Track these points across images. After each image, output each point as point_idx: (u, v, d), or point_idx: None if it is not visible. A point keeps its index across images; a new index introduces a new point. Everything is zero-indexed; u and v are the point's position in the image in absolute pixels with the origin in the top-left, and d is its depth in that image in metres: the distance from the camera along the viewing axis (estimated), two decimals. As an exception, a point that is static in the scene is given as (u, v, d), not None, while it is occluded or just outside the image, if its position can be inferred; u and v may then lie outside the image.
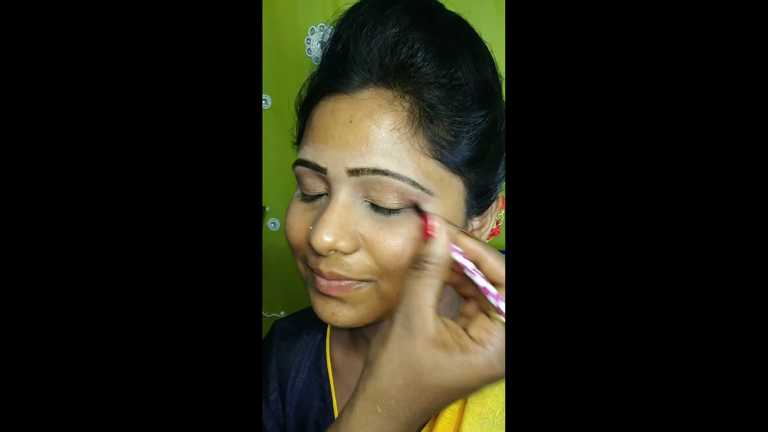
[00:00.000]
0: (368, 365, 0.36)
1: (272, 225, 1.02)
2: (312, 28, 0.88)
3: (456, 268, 0.36)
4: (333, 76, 0.43)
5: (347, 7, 0.45)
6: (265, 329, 0.66)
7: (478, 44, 0.45)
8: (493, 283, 0.35)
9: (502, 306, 0.34)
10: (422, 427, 0.48)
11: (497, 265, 0.36)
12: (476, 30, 0.48)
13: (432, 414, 0.36)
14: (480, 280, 0.35)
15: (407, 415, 0.35)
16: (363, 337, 0.54)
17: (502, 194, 0.50)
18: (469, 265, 0.35)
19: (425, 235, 0.36)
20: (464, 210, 0.44)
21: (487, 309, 0.36)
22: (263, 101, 0.94)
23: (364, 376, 0.36)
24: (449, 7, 0.48)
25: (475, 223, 0.47)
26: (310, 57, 0.88)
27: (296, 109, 0.50)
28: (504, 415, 0.46)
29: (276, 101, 0.93)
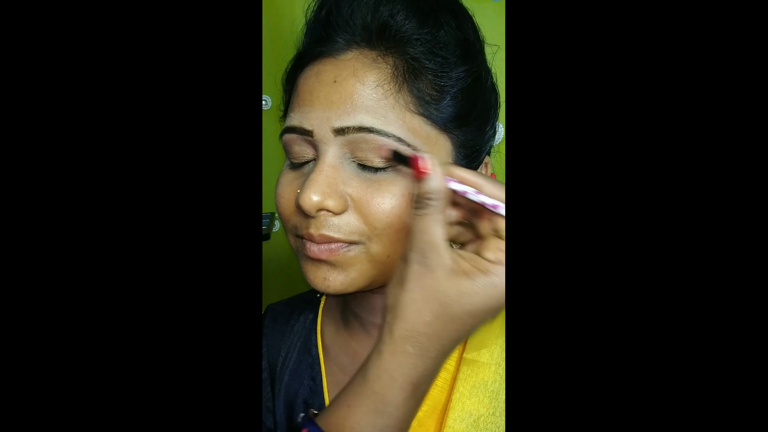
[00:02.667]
0: (390, 309, 0.36)
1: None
2: (309, 30, 0.88)
3: (458, 197, 0.36)
4: (317, 41, 0.43)
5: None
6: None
7: (458, 5, 0.45)
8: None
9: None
10: None
11: (496, 188, 0.35)
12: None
13: (460, 342, 0.37)
14: (487, 199, 0.35)
15: (438, 348, 0.35)
16: (353, 314, 0.51)
17: (489, 161, 0.48)
18: (471, 190, 0.35)
19: (419, 174, 0.35)
20: None
21: (497, 229, 0.35)
22: (263, 102, 0.93)
23: (387, 321, 0.36)
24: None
25: None
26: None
27: (282, 83, 0.49)
28: (495, 386, 0.43)
29: (276, 102, 0.93)
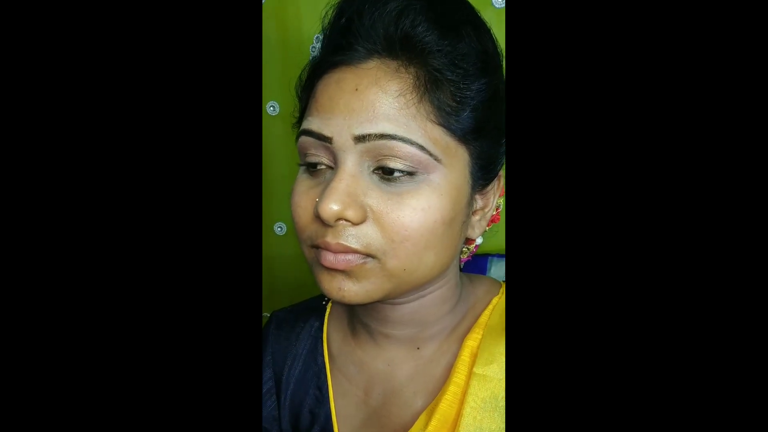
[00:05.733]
0: None
1: (279, 229, 0.99)
2: (317, 36, 0.86)
3: None
4: (337, 49, 0.41)
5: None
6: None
7: (477, 17, 0.43)
8: None
9: None
10: (422, 409, 0.43)
11: None
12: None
13: None
14: None
15: None
16: (362, 323, 0.49)
17: (502, 175, 0.46)
18: None
19: None
20: (470, 182, 0.41)
21: None
22: (271, 108, 0.91)
23: None
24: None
25: (479, 201, 0.44)
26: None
27: (296, 92, 0.47)
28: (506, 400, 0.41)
29: (283, 108, 0.91)
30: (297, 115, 0.47)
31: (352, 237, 0.38)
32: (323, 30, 0.45)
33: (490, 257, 0.94)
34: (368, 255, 0.38)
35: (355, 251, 0.38)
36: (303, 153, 0.42)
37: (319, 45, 0.90)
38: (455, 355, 0.45)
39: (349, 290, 0.39)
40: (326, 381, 0.50)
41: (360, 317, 0.49)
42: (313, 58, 0.46)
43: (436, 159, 0.38)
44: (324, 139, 0.39)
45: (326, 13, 0.45)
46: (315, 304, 0.56)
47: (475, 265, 0.86)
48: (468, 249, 0.49)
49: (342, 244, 0.38)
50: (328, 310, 0.55)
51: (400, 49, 0.39)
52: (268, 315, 1.05)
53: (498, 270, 0.91)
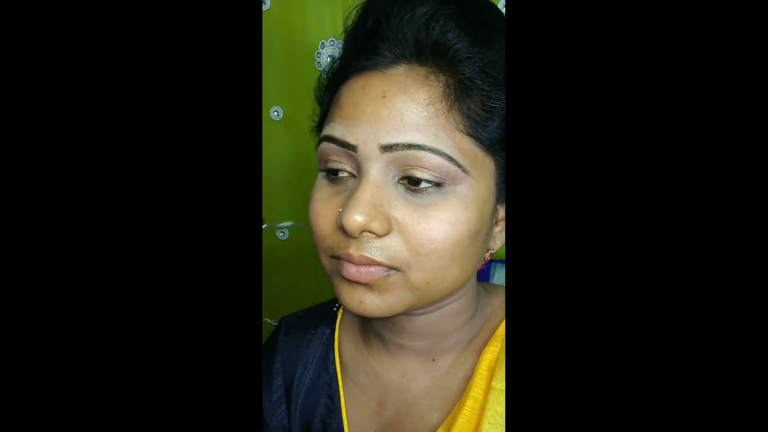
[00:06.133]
0: None
1: (281, 234, 0.97)
2: (322, 42, 0.86)
3: None
4: (363, 53, 0.39)
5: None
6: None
7: (505, 24, 0.42)
8: None
9: None
10: (438, 423, 0.42)
11: None
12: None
13: None
14: None
15: None
16: (374, 332, 0.48)
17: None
18: None
19: None
20: (495, 194, 0.40)
21: None
22: (275, 112, 0.90)
23: None
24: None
25: (501, 212, 0.43)
26: (320, 70, 0.85)
27: (316, 95, 0.46)
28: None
29: (288, 113, 0.90)
30: (316, 119, 0.46)
31: (376, 249, 0.37)
32: (345, 31, 0.44)
33: (493, 263, 0.93)
34: (392, 268, 0.37)
35: (378, 264, 0.37)
36: (323, 159, 0.40)
37: (324, 51, 0.89)
38: (472, 368, 0.44)
39: (371, 303, 0.38)
40: (338, 390, 0.48)
41: (374, 326, 0.48)
42: (334, 60, 0.45)
43: (464, 170, 0.37)
44: (348, 147, 0.37)
45: (349, 13, 0.43)
46: (325, 311, 0.55)
47: (478, 272, 0.85)
48: (484, 257, 0.48)
49: (365, 257, 0.37)
50: (339, 317, 0.53)
51: (429, 55, 0.37)
52: (269, 320, 1.03)
53: (502, 276, 0.91)
